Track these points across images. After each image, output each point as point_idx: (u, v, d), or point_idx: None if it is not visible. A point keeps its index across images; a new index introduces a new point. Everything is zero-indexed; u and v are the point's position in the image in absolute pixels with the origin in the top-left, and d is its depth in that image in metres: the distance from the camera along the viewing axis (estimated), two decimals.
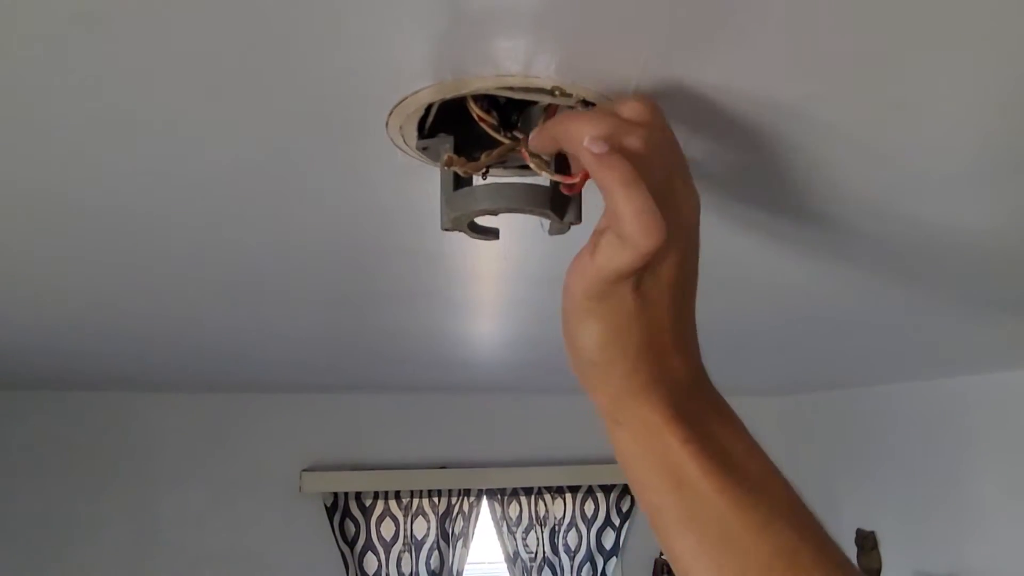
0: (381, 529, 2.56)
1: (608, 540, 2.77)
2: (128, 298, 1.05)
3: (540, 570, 2.70)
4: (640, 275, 0.40)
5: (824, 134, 0.52)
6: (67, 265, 0.87)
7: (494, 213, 0.47)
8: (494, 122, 0.47)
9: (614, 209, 0.38)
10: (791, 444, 2.89)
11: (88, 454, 2.36)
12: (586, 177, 0.45)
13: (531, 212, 0.47)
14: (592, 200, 0.47)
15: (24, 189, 0.62)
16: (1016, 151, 0.56)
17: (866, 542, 2.41)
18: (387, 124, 0.49)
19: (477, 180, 0.50)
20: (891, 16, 0.39)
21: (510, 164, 0.51)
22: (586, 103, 0.46)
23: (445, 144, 0.49)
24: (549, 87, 0.44)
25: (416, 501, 2.61)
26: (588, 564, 2.74)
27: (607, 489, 2.78)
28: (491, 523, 2.70)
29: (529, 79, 0.43)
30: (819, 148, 0.55)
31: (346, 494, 2.53)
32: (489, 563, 2.80)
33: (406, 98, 0.46)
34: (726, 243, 0.78)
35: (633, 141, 0.39)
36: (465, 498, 2.65)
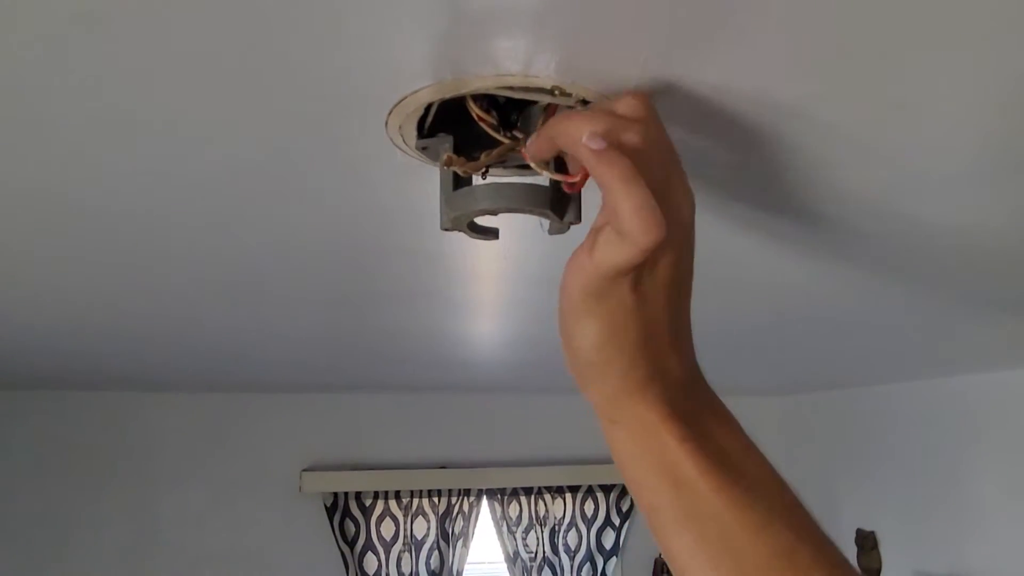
0: (381, 529, 2.56)
1: (608, 540, 2.77)
2: (128, 298, 1.05)
3: (540, 570, 2.70)
4: (638, 273, 0.40)
5: (824, 134, 0.52)
6: (67, 265, 0.87)
7: (494, 213, 0.47)
8: (494, 122, 0.47)
9: (613, 205, 0.38)
10: (791, 444, 2.89)
11: (88, 454, 2.36)
12: (587, 175, 0.45)
13: (531, 212, 0.47)
14: (591, 200, 0.47)
15: (24, 189, 0.62)
16: (1016, 151, 0.56)
17: (866, 542, 2.41)
18: (386, 124, 0.49)
19: (477, 180, 0.50)
20: (891, 16, 0.39)
21: (510, 164, 0.51)
22: (585, 103, 0.46)
23: (445, 144, 0.49)
24: (549, 87, 0.44)
25: (416, 501, 2.61)
26: (588, 564, 2.74)
27: (607, 489, 2.78)
28: (491, 523, 2.70)
29: (529, 79, 0.43)
30: (819, 148, 0.55)
31: (346, 494, 2.53)
32: (489, 563, 2.80)
33: (405, 98, 0.46)
34: (726, 243, 0.78)
35: (631, 137, 0.39)
36: (465, 498, 2.65)
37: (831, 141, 0.53)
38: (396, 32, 0.39)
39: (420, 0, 0.37)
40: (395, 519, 2.58)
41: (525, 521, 2.71)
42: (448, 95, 0.45)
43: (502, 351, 1.66)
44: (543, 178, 0.47)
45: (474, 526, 2.67)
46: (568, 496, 2.76)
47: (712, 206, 0.67)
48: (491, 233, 0.52)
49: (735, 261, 0.86)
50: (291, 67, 0.43)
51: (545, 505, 2.74)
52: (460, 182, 0.49)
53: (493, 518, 2.70)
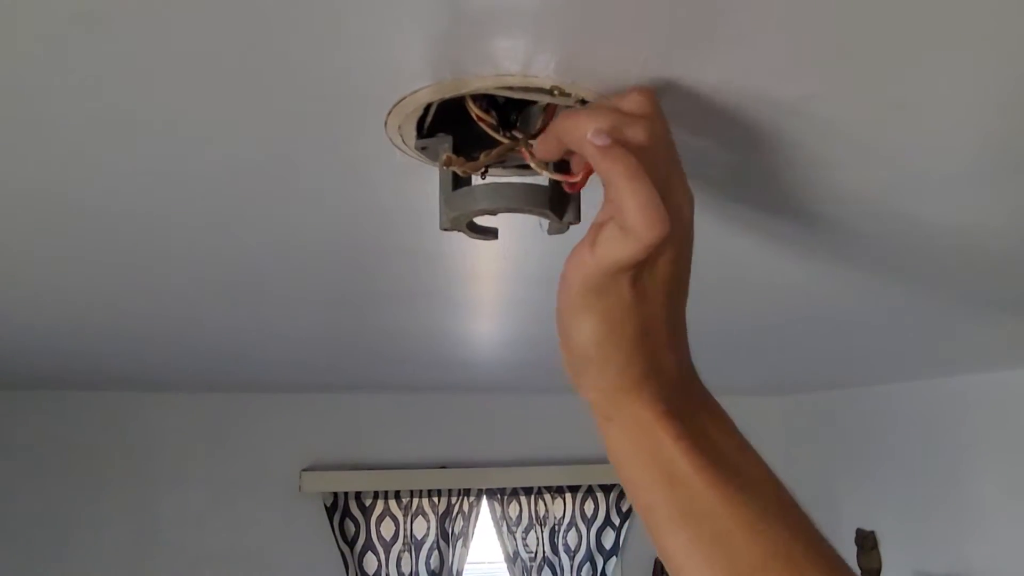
0: (381, 529, 2.56)
1: (608, 540, 2.77)
2: (128, 298, 1.05)
3: (540, 570, 2.70)
4: (638, 270, 0.40)
5: (824, 134, 0.52)
6: (67, 265, 0.87)
7: (493, 213, 0.47)
8: (493, 122, 0.47)
9: (618, 201, 0.38)
10: (791, 444, 2.89)
11: (88, 454, 2.36)
12: (588, 175, 0.45)
13: (530, 212, 0.47)
14: (590, 199, 0.47)
15: (24, 189, 0.62)
16: (1016, 151, 0.56)
17: (866, 542, 2.41)
18: (386, 124, 0.49)
19: (476, 180, 0.50)
20: (891, 16, 0.39)
21: (509, 164, 0.51)
22: (584, 103, 0.46)
23: (444, 144, 0.49)
24: (548, 87, 0.44)
25: (416, 501, 2.61)
26: (588, 564, 2.74)
27: (607, 489, 2.78)
28: (491, 523, 2.70)
29: (528, 79, 0.43)
30: (819, 148, 0.55)
31: (346, 494, 2.53)
32: (489, 563, 2.80)
33: (405, 98, 0.46)
34: (727, 243, 0.78)
35: (636, 133, 0.39)
36: (465, 498, 2.65)
37: (831, 141, 0.53)
38: (395, 32, 0.39)
39: (420, 0, 0.37)
40: (395, 519, 2.58)
41: (525, 521, 2.71)
42: (447, 95, 0.45)
43: (502, 351, 1.66)
44: (542, 178, 0.47)
45: (474, 526, 2.67)
46: (568, 496, 2.76)
47: (713, 206, 0.67)
48: (490, 233, 0.52)
49: (735, 261, 0.86)
50: (291, 67, 0.43)
51: (545, 505, 2.74)
52: (459, 182, 0.49)
53: (493, 518, 2.70)
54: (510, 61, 0.42)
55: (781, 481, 0.43)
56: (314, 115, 0.49)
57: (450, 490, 2.63)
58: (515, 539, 2.70)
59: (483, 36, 0.40)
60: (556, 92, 0.44)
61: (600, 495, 2.78)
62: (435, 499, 2.62)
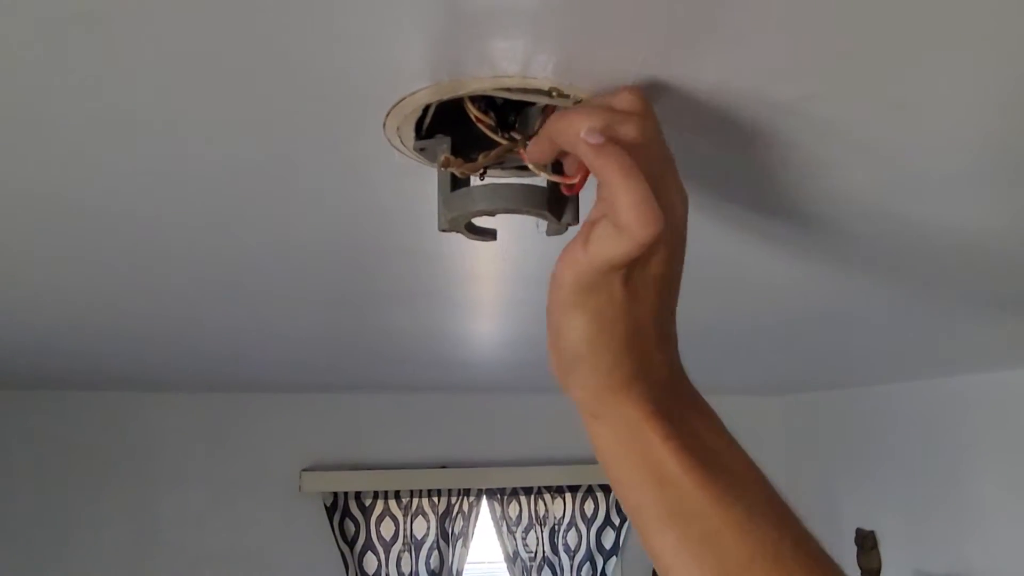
0: (381, 529, 2.56)
1: (608, 540, 2.77)
2: (128, 298, 1.05)
3: (540, 570, 2.70)
4: (630, 268, 0.40)
5: (823, 134, 0.52)
6: (67, 265, 0.87)
7: (491, 214, 0.47)
8: (492, 123, 0.47)
9: (612, 199, 0.38)
10: (792, 443, 2.89)
11: (88, 454, 2.36)
12: (586, 176, 0.45)
13: (528, 213, 0.47)
14: (589, 200, 0.47)
15: (24, 189, 0.62)
16: (1016, 151, 0.56)
17: (866, 542, 2.40)
18: (384, 125, 0.49)
19: (475, 181, 0.50)
20: (891, 16, 0.39)
21: (508, 165, 0.51)
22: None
23: (443, 145, 0.49)
24: (546, 88, 0.44)
25: (416, 501, 2.61)
26: (588, 564, 2.74)
27: (607, 489, 2.78)
28: (491, 523, 2.70)
29: (526, 80, 0.43)
30: (818, 148, 0.55)
31: (346, 494, 2.53)
32: (489, 563, 2.80)
33: (404, 99, 0.46)
34: (726, 243, 0.78)
35: (629, 130, 0.39)
36: (465, 498, 2.65)
37: (831, 141, 0.53)
38: (394, 33, 0.39)
39: (418, 1, 0.37)
40: (395, 519, 2.58)
41: (525, 521, 2.71)
42: (446, 96, 0.45)
43: (502, 351, 1.66)
44: (541, 179, 0.47)
45: (474, 526, 2.67)
46: (568, 496, 2.76)
47: (711, 206, 0.67)
48: (489, 234, 0.52)
49: (735, 261, 0.86)
50: (290, 67, 0.43)
51: (545, 505, 2.74)
52: (458, 183, 0.49)
53: (493, 518, 2.70)
54: (508, 62, 0.42)
55: (769, 479, 0.43)
56: (313, 115, 0.49)
57: (450, 490, 2.63)
58: (515, 539, 2.70)
59: (481, 37, 0.40)
60: (554, 93, 0.44)
61: (600, 495, 2.78)
62: (435, 499, 2.62)
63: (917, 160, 0.57)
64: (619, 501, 0.44)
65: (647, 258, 0.41)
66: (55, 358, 1.64)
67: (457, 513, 2.64)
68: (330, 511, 2.52)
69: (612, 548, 2.76)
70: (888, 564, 2.38)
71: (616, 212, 0.38)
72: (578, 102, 0.45)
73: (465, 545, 2.64)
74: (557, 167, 0.47)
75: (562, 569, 2.71)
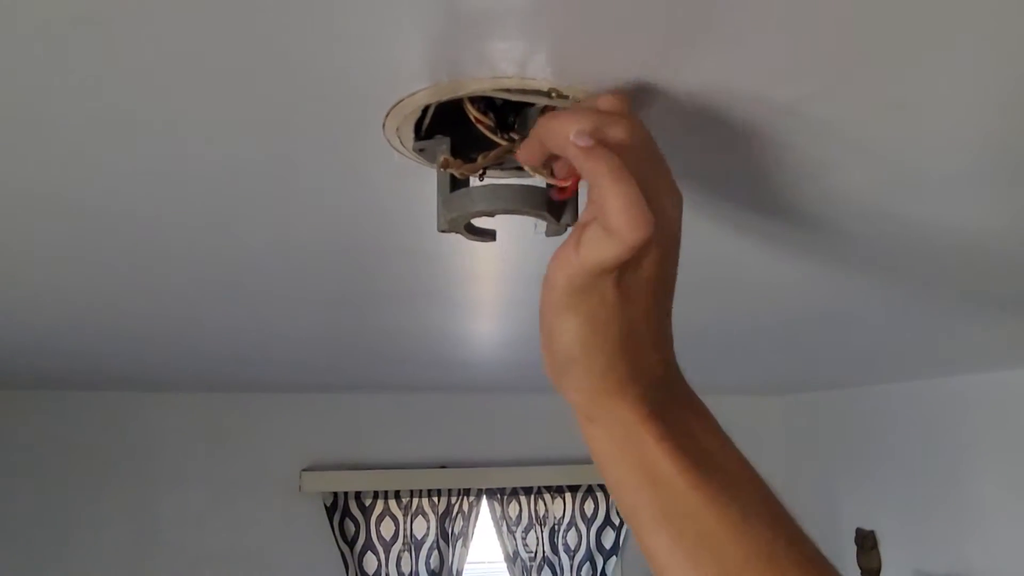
0: (381, 529, 2.56)
1: (608, 539, 2.77)
2: (128, 298, 1.05)
3: (540, 570, 2.70)
4: (622, 270, 0.40)
5: (823, 134, 0.52)
6: (67, 265, 0.87)
7: (491, 215, 0.47)
8: (491, 124, 0.47)
9: (601, 202, 0.38)
10: (791, 443, 2.89)
11: (88, 454, 2.36)
12: (577, 180, 0.45)
13: (527, 214, 0.47)
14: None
15: (24, 189, 0.62)
16: (1016, 151, 0.56)
17: (866, 541, 2.40)
18: (384, 125, 0.49)
19: (474, 182, 0.50)
20: (890, 16, 0.39)
21: (507, 166, 0.51)
22: None
23: (442, 146, 0.49)
24: (545, 89, 0.44)
25: (416, 501, 2.61)
26: (588, 563, 2.74)
27: (606, 489, 2.78)
28: (491, 523, 2.70)
29: (525, 81, 0.43)
30: (817, 148, 0.55)
31: (346, 494, 2.53)
32: (489, 563, 2.80)
33: (403, 99, 0.46)
34: (726, 243, 0.78)
35: (618, 132, 0.39)
36: (465, 498, 2.65)
37: (830, 141, 0.53)
38: (394, 34, 0.39)
39: (418, 2, 0.37)
40: (395, 519, 2.58)
41: (525, 521, 2.71)
42: (445, 97, 0.45)
43: (502, 351, 1.66)
44: (540, 180, 0.47)
45: (474, 526, 2.67)
46: (568, 496, 2.76)
47: (710, 206, 0.67)
48: (488, 235, 0.52)
49: (734, 261, 0.86)
50: (290, 68, 0.43)
51: (545, 505, 2.74)
52: (457, 184, 0.49)
53: (493, 518, 2.70)
54: (507, 63, 0.42)
55: (764, 480, 0.43)
56: (313, 116, 0.49)
57: (450, 490, 2.63)
58: (515, 539, 2.70)
59: (480, 38, 0.40)
60: (554, 94, 0.44)
61: (600, 495, 2.78)
62: (435, 499, 2.62)
63: (917, 160, 0.57)
64: (615, 502, 0.44)
65: (639, 260, 0.40)
66: (55, 358, 1.64)
67: (457, 513, 2.64)
68: (330, 511, 2.52)
69: (612, 548, 2.76)
70: (888, 564, 2.38)
71: (606, 215, 0.37)
72: (577, 103, 0.45)
73: (465, 545, 2.64)
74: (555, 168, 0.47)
75: (562, 569, 2.71)
